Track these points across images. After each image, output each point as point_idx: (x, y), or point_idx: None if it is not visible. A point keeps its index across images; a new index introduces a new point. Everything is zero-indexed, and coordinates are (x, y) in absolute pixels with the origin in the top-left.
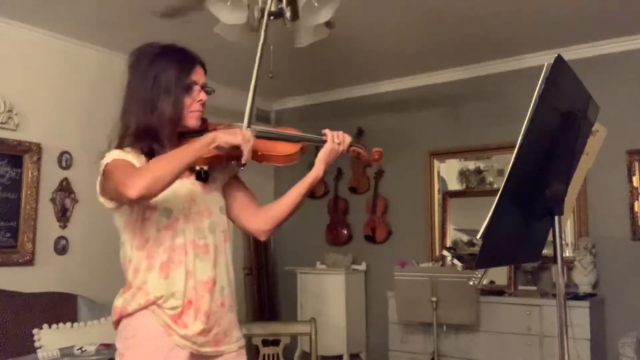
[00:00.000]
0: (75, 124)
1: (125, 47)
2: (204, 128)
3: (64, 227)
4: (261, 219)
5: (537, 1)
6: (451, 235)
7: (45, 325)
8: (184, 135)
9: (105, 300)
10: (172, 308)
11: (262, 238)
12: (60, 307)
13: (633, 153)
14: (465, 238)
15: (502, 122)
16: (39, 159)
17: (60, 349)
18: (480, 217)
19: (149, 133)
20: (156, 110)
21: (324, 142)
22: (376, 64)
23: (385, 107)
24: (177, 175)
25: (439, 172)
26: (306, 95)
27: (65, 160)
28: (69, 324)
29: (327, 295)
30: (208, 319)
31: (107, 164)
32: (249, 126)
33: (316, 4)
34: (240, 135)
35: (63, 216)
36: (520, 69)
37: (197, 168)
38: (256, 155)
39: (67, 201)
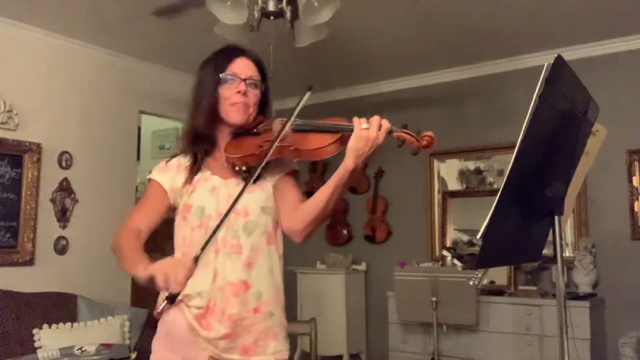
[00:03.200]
0: (75, 124)
1: (125, 47)
2: (257, 124)
3: (64, 227)
4: (294, 218)
5: (537, 1)
6: (451, 235)
7: (45, 325)
8: (236, 135)
9: (105, 300)
10: (197, 307)
11: (296, 239)
12: (60, 307)
13: (633, 153)
14: (465, 238)
15: (502, 122)
16: (39, 159)
17: (60, 349)
18: (480, 217)
19: (196, 131)
20: (198, 106)
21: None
22: (376, 64)
23: (385, 107)
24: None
25: (439, 172)
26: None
27: (65, 160)
28: (69, 324)
29: (327, 295)
30: (234, 324)
31: (148, 180)
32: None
33: (316, 4)
34: (172, 281)
35: (63, 216)
36: (520, 69)
37: (237, 168)
38: (289, 151)
39: (67, 201)
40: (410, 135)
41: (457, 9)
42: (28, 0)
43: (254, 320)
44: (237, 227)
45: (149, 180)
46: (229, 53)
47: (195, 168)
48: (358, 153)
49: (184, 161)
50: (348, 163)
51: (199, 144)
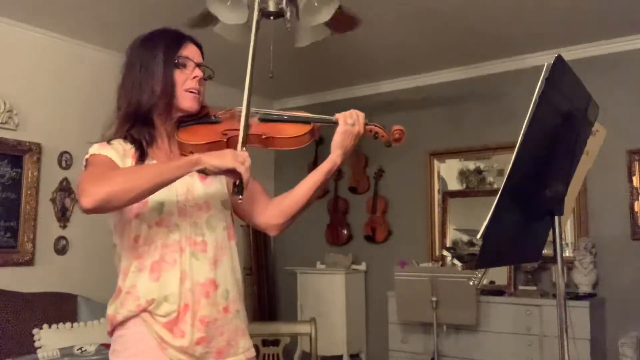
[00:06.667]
0: (75, 124)
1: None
2: (204, 114)
3: (64, 227)
4: (273, 212)
5: (538, 1)
6: (451, 235)
7: (45, 325)
8: (183, 123)
9: (105, 300)
10: (166, 314)
11: (273, 233)
12: (60, 307)
13: (633, 153)
14: (465, 238)
15: (502, 122)
16: (39, 159)
17: (60, 349)
18: (480, 217)
19: (140, 113)
20: (146, 87)
21: (336, 123)
22: (376, 64)
23: (385, 107)
24: (147, 193)
25: (439, 172)
26: (306, 95)
27: (65, 160)
28: (69, 324)
29: (327, 295)
30: (207, 327)
31: (86, 160)
32: (244, 145)
33: (316, 4)
34: (230, 157)
35: (63, 216)
36: (520, 69)
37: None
38: (260, 139)
39: (67, 201)
40: (381, 128)
41: (457, 9)
42: (28, 1)
43: (224, 320)
44: (201, 223)
45: (93, 156)
46: (177, 37)
47: (142, 155)
48: (346, 149)
49: (127, 147)
50: (336, 158)
51: (142, 128)
